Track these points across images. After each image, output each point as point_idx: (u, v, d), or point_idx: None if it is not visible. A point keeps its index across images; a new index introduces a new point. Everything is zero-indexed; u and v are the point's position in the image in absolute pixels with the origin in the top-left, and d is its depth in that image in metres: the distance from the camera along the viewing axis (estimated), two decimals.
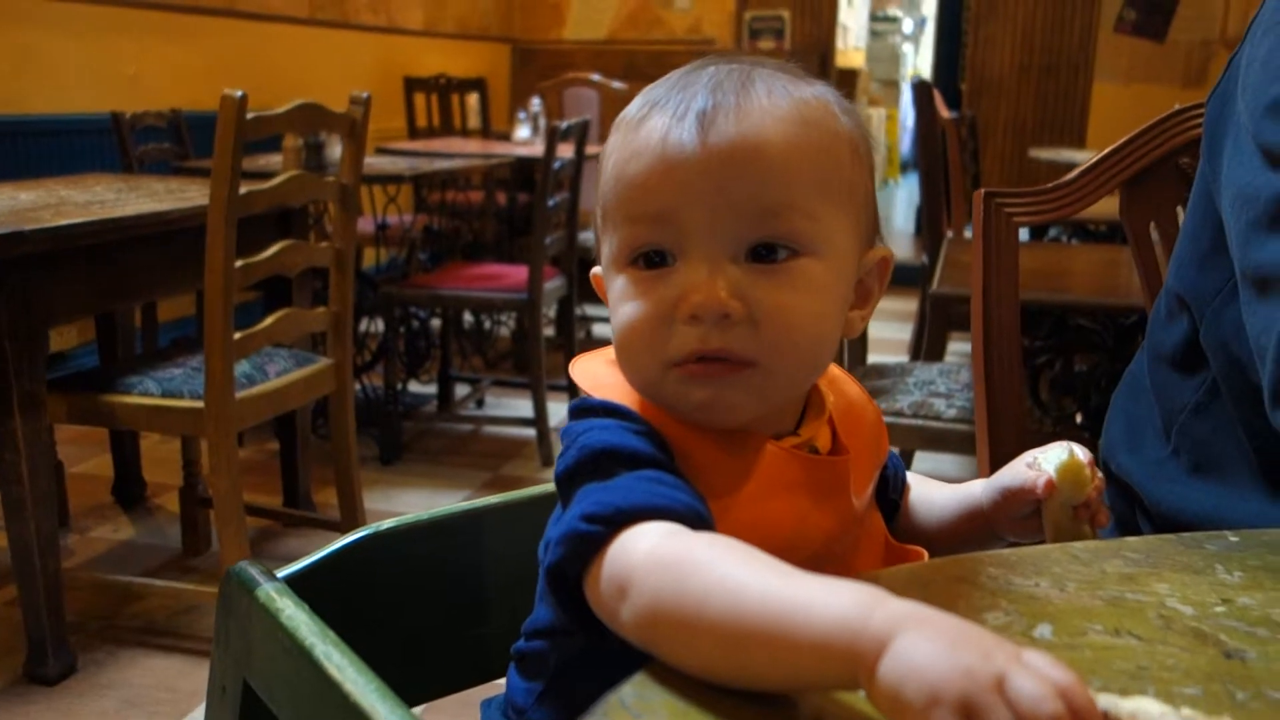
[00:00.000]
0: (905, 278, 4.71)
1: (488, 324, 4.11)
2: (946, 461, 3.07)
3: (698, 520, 0.56)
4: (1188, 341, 0.96)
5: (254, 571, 0.73)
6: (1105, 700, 0.42)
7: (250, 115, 1.95)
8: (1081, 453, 0.71)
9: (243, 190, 1.98)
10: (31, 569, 1.96)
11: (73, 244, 1.91)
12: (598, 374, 0.69)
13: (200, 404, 2.06)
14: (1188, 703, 0.49)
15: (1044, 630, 0.56)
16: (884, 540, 0.74)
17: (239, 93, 1.89)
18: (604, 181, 0.66)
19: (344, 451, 2.47)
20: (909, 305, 4.65)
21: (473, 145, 4.39)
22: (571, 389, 3.37)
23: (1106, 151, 1.17)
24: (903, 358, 3.83)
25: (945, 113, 3.72)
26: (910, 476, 0.82)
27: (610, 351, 0.69)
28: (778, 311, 0.62)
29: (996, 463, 1.14)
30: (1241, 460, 0.91)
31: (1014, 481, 0.72)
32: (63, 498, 2.73)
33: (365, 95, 2.27)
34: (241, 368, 2.19)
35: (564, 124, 3.28)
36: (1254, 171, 0.77)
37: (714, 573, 0.50)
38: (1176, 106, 1.16)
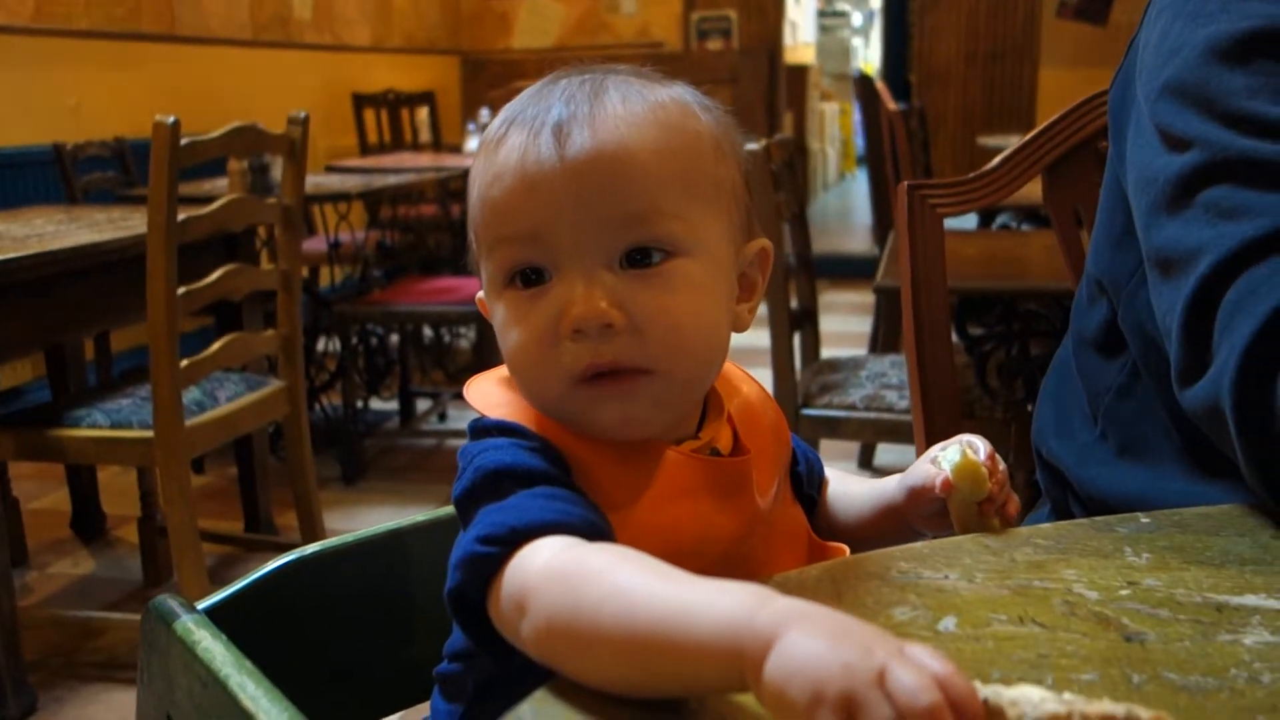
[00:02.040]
0: (863, 270, 4.74)
1: (447, 337, 4.09)
2: (910, 454, 3.09)
3: (594, 532, 0.56)
4: (1108, 325, 0.97)
5: (173, 604, 0.72)
6: (986, 690, 0.42)
7: (185, 140, 1.94)
8: (980, 450, 0.71)
9: (182, 217, 1.97)
10: None
11: (10, 279, 1.89)
12: (490, 394, 0.68)
13: (150, 433, 2.04)
14: (1084, 689, 0.49)
15: (948, 623, 0.56)
16: (806, 538, 0.75)
17: (171, 119, 1.88)
18: (471, 206, 0.66)
19: (302, 473, 2.45)
20: (868, 298, 4.67)
21: (424, 159, 4.37)
22: None
23: (1027, 138, 1.18)
24: (863, 351, 3.85)
25: (892, 105, 3.74)
26: (829, 472, 0.82)
27: (503, 370, 0.69)
28: (660, 314, 0.62)
29: None
30: (1165, 441, 0.92)
31: (917, 480, 0.72)
32: (20, 535, 2.70)
33: (303, 115, 2.26)
34: (191, 394, 2.17)
35: None
36: (1152, 154, 0.78)
37: (605, 582, 0.50)
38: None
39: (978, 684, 0.42)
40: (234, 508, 2.81)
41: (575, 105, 0.63)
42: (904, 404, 2.11)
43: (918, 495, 0.72)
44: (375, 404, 3.71)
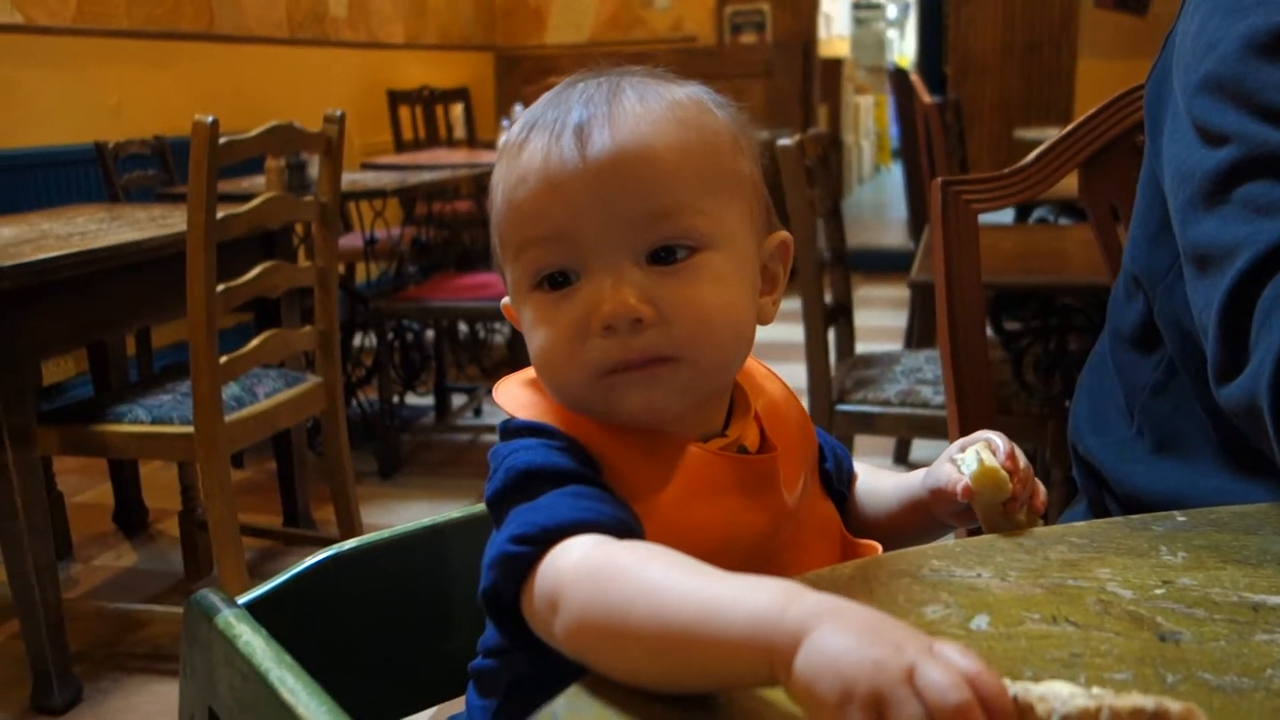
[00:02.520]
0: (898, 265, 4.72)
1: (482, 333, 4.11)
2: (944, 449, 3.07)
3: (624, 530, 0.56)
4: (1145, 321, 0.96)
5: (214, 598, 0.74)
6: (1015, 687, 0.42)
7: (224, 140, 1.96)
8: (1000, 449, 0.71)
9: (221, 215, 1.99)
10: (31, 601, 1.97)
11: (53, 277, 1.92)
12: (518, 396, 0.69)
13: (190, 429, 2.07)
14: (1117, 688, 0.49)
15: (981, 621, 0.56)
16: (839, 534, 0.75)
17: (210, 118, 1.90)
18: (496, 212, 0.67)
19: (339, 468, 2.48)
20: (903, 293, 4.65)
21: (458, 155, 4.40)
22: None
23: (1062, 133, 1.17)
24: (898, 346, 3.83)
25: (927, 98, 3.72)
26: (859, 467, 0.83)
27: (529, 372, 0.70)
28: (687, 306, 0.62)
29: None
30: (1202, 438, 0.91)
31: (939, 481, 0.72)
32: (65, 528, 2.74)
33: (339, 113, 2.28)
34: (230, 390, 2.19)
35: None
36: (1189, 148, 0.77)
37: (636, 579, 0.51)
38: None
39: (1006, 681, 0.42)
40: (273, 502, 2.84)
41: (594, 106, 0.64)
42: (939, 399, 2.10)
43: (940, 495, 0.72)
44: (411, 399, 3.73)
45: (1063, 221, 3.70)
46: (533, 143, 0.64)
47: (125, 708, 2.05)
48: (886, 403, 2.14)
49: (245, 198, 2.18)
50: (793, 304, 2.20)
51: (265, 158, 2.97)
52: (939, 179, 1.16)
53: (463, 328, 4.08)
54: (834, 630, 0.43)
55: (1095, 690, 0.42)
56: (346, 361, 3.43)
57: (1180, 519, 0.69)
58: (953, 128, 4.45)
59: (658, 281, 0.63)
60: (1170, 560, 0.63)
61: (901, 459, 3.16)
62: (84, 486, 3.19)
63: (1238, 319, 0.70)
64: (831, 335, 2.41)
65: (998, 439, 0.72)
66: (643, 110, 0.64)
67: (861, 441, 2.81)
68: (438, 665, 0.83)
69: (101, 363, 2.76)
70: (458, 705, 0.78)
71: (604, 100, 0.64)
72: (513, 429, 0.66)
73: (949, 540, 0.67)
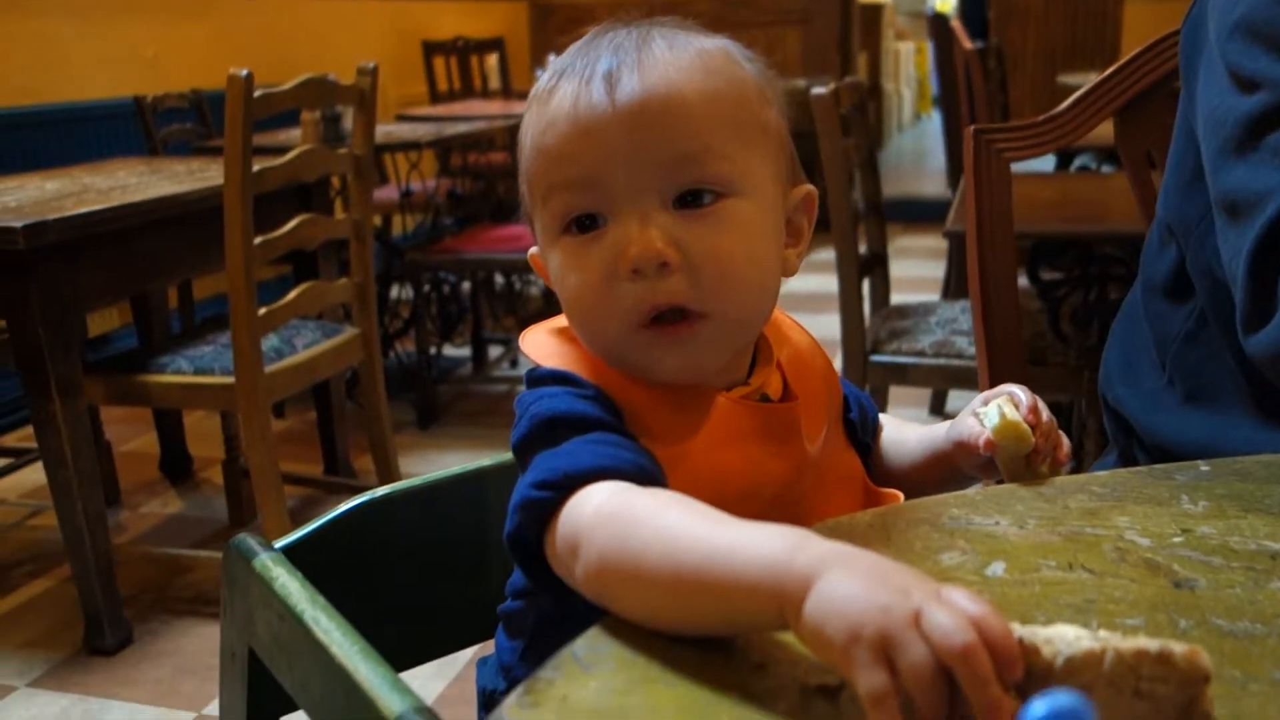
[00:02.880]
0: (937, 214, 4.67)
1: (518, 284, 4.13)
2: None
3: (644, 476, 0.58)
4: (1177, 270, 0.95)
5: (252, 542, 0.76)
6: (1022, 629, 0.43)
7: (258, 93, 1.97)
8: (1022, 403, 0.71)
9: (256, 168, 2.01)
10: (82, 546, 2.02)
11: (95, 231, 1.95)
12: (544, 344, 0.70)
13: (231, 379, 2.11)
14: (1128, 633, 0.50)
15: (996, 568, 0.57)
16: (862, 483, 0.76)
17: (244, 72, 1.91)
18: (524, 158, 0.68)
19: (377, 418, 2.51)
20: (942, 243, 4.60)
21: (494, 106, 4.39)
22: None
23: (1097, 80, 1.16)
24: (936, 296, 3.81)
25: (967, 44, 3.66)
26: (884, 418, 0.83)
27: (556, 321, 0.70)
28: (713, 254, 0.63)
29: None
30: (1232, 387, 0.91)
31: (962, 434, 0.72)
32: (112, 476, 2.81)
33: (372, 66, 2.28)
34: (270, 342, 2.23)
35: None
36: (1222, 94, 0.77)
37: (653, 525, 0.52)
38: None
39: (1014, 625, 0.43)
40: (314, 451, 2.88)
41: (623, 54, 0.64)
42: (974, 350, 2.09)
43: (963, 448, 0.72)
44: (448, 350, 3.76)
45: (1105, 169, 3.65)
46: (562, 89, 0.65)
47: (173, 649, 2.11)
48: (920, 353, 2.14)
49: (282, 150, 2.20)
50: (828, 254, 2.19)
51: (300, 110, 2.98)
52: (971, 127, 1.15)
53: (499, 279, 4.10)
54: (842, 576, 0.44)
55: (1102, 633, 0.42)
56: (384, 313, 3.46)
57: (1204, 468, 0.69)
58: (994, 74, 4.38)
59: (684, 225, 0.63)
60: (1190, 509, 0.63)
61: (937, 410, 3.15)
62: (131, 436, 3.25)
63: (1266, 268, 0.70)
64: (866, 286, 2.40)
65: (1021, 393, 0.72)
66: (671, 57, 0.64)
67: (897, 393, 2.80)
68: (469, 609, 0.85)
69: (144, 314, 2.81)
70: (488, 648, 0.81)
71: (633, 48, 0.65)
72: (538, 377, 0.67)
73: (970, 489, 0.68)
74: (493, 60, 5.42)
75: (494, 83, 5.39)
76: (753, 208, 0.65)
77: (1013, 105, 5.27)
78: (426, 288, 3.48)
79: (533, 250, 0.72)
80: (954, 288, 3.18)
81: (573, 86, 0.64)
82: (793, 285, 4.33)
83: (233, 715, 0.80)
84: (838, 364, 2.31)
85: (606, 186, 0.63)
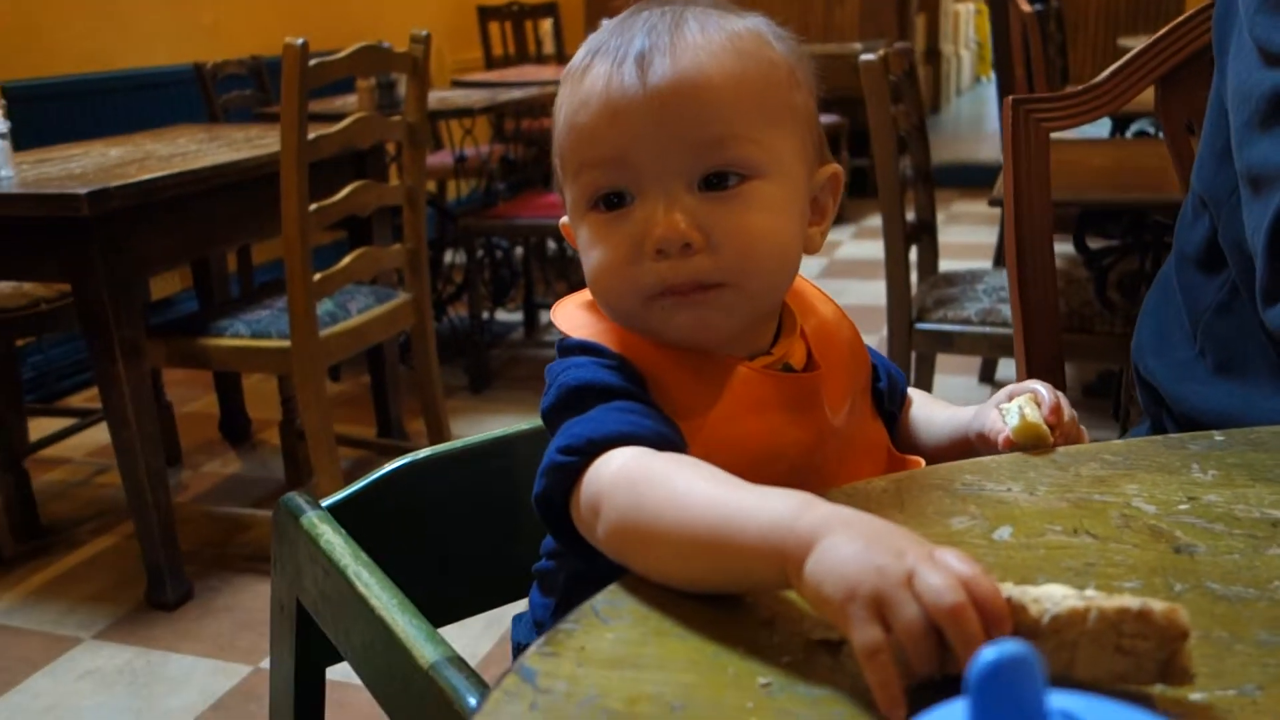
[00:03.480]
0: (994, 180, 4.62)
1: (570, 250, 4.16)
2: None
3: (663, 442, 0.60)
4: (1210, 241, 0.96)
5: (300, 501, 0.80)
6: (1012, 589, 0.45)
7: (313, 62, 2.01)
8: (1045, 401, 0.72)
9: (311, 136, 2.05)
10: (144, 504, 2.10)
11: (157, 197, 2.01)
12: (574, 316, 0.73)
13: (287, 343, 2.16)
14: (1125, 595, 0.52)
15: (1003, 532, 0.59)
16: (885, 451, 0.78)
17: (300, 41, 1.95)
18: (557, 133, 0.70)
19: (429, 381, 2.56)
20: (996, 209, 4.55)
21: (547, 71, 4.40)
22: None
23: (1137, 49, 1.15)
24: (989, 262, 3.78)
25: (1026, 6, 3.60)
26: (915, 393, 0.85)
27: (586, 294, 0.73)
28: (736, 233, 0.65)
29: (1034, 369, 1.16)
30: (1262, 358, 0.91)
31: (984, 427, 0.73)
32: (174, 436, 2.89)
33: (425, 34, 2.31)
34: (325, 306, 2.28)
35: None
36: (1250, 69, 0.77)
37: (667, 488, 0.55)
38: None
39: (1006, 585, 0.45)
40: (368, 414, 2.95)
41: (656, 36, 0.66)
42: None
43: (985, 441, 0.74)
44: (501, 315, 3.81)
45: (1163, 135, 3.58)
46: (595, 68, 0.67)
47: (232, 604, 2.18)
48: (966, 321, 2.13)
49: (338, 117, 2.24)
50: (879, 221, 2.20)
51: (356, 77, 3.03)
52: (1010, 97, 1.15)
53: (551, 245, 4.14)
54: (841, 538, 0.47)
55: (1088, 592, 0.45)
56: (437, 278, 3.51)
57: (1218, 438, 0.70)
58: (1054, 37, 4.30)
59: (709, 208, 0.65)
60: (1200, 478, 0.64)
61: (987, 378, 3.14)
62: (192, 397, 3.34)
63: None
64: (914, 253, 2.40)
65: (1044, 390, 0.73)
66: (703, 40, 0.66)
67: (946, 360, 2.80)
68: (506, 567, 0.89)
69: (205, 279, 2.88)
70: (521, 606, 0.84)
71: (666, 30, 0.66)
72: (567, 347, 0.70)
73: (985, 457, 0.70)
74: (547, 25, 5.43)
75: (548, 47, 5.41)
76: (777, 189, 0.67)
77: (1073, 70, 5.18)
78: (479, 253, 3.53)
79: (564, 219, 0.75)
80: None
81: (606, 67, 0.66)
82: (845, 252, 4.33)
83: (282, 665, 0.85)
84: (883, 331, 2.32)
85: (634, 166, 0.66)
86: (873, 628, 0.44)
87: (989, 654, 0.29)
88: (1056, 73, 4.11)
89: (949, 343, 2.17)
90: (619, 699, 0.46)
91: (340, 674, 0.82)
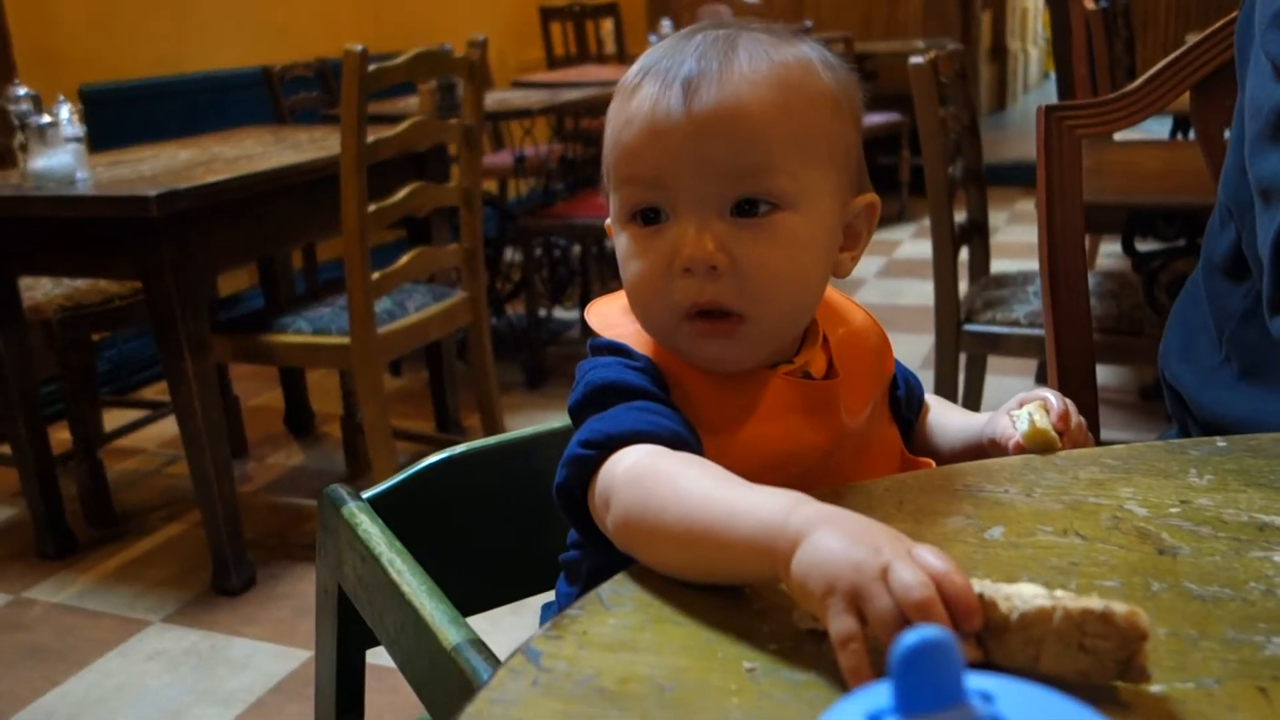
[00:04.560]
0: None
1: None
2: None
3: (677, 441, 0.64)
4: (1236, 250, 0.97)
5: (343, 492, 0.85)
6: (984, 586, 0.48)
7: (373, 67, 2.08)
8: (1053, 409, 0.74)
9: (371, 138, 2.12)
10: (210, 493, 2.18)
11: (222, 199, 2.08)
12: (608, 316, 0.77)
13: (347, 340, 2.23)
14: (1103, 594, 0.55)
15: (995, 532, 0.62)
16: (899, 453, 0.80)
17: (359, 47, 2.01)
18: (606, 144, 0.73)
19: (484, 377, 2.62)
20: None
21: (607, 72, 4.45)
22: None
23: (1172, 56, 1.16)
24: None
25: (1089, 3, 3.56)
26: (931, 399, 0.87)
27: (621, 297, 0.76)
28: (760, 265, 0.68)
29: (1064, 372, 1.17)
30: None
31: (996, 432, 0.76)
32: (240, 429, 2.99)
33: (481, 39, 2.36)
34: (383, 304, 2.35)
35: None
36: (1263, 82, 0.78)
37: (672, 485, 0.58)
38: None
39: (980, 582, 0.48)
40: (426, 409, 3.02)
41: (706, 62, 0.69)
42: None
43: (996, 446, 0.76)
44: (558, 313, 3.87)
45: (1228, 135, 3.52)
46: (645, 89, 0.70)
47: (293, 591, 2.26)
48: (1015, 323, 2.14)
49: (399, 118, 2.31)
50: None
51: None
52: (1043, 106, 1.17)
53: (609, 243, 4.18)
54: (825, 535, 0.50)
55: (1058, 593, 0.47)
56: (496, 277, 3.57)
57: (1220, 444, 0.72)
58: (1120, 34, 4.24)
59: (737, 234, 0.68)
60: (1195, 482, 0.66)
61: (1043, 380, 3.13)
62: (258, 391, 3.44)
63: None
64: (966, 254, 2.41)
65: (1054, 398, 0.76)
66: (749, 71, 0.68)
67: (1002, 363, 2.79)
68: (537, 559, 0.93)
69: (270, 276, 2.97)
70: (551, 596, 0.88)
71: (716, 55, 0.69)
72: (597, 346, 0.74)
73: (989, 460, 0.72)
74: (608, 25, 5.47)
75: (609, 47, 5.45)
76: (805, 222, 0.69)
77: (1142, 68, 5.09)
78: (538, 252, 3.58)
79: (608, 221, 0.78)
80: None
81: (654, 89, 0.69)
82: (904, 251, 4.33)
83: (326, 647, 0.90)
84: (931, 335, 2.32)
85: (671, 187, 0.69)
86: (848, 618, 0.47)
87: (911, 638, 0.32)
88: (1123, 71, 4.05)
89: (996, 344, 2.18)
90: (613, 679, 0.50)
91: (384, 659, 0.86)
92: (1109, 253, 4.29)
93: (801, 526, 0.51)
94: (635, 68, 0.73)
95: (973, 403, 2.34)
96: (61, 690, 1.94)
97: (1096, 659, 0.46)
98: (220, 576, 2.25)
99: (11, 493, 2.72)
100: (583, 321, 3.40)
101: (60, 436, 2.72)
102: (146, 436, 3.08)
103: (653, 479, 0.60)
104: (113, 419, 3.04)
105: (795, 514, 0.52)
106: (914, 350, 3.44)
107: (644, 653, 0.52)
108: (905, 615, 0.46)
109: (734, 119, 0.67)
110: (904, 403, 0.83)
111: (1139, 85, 1.17)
